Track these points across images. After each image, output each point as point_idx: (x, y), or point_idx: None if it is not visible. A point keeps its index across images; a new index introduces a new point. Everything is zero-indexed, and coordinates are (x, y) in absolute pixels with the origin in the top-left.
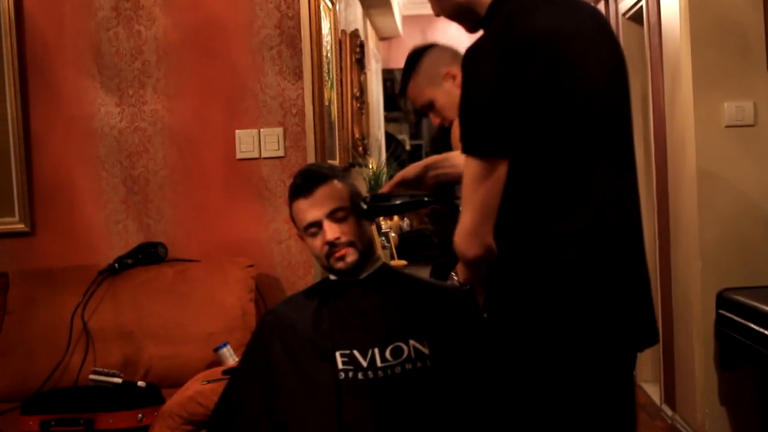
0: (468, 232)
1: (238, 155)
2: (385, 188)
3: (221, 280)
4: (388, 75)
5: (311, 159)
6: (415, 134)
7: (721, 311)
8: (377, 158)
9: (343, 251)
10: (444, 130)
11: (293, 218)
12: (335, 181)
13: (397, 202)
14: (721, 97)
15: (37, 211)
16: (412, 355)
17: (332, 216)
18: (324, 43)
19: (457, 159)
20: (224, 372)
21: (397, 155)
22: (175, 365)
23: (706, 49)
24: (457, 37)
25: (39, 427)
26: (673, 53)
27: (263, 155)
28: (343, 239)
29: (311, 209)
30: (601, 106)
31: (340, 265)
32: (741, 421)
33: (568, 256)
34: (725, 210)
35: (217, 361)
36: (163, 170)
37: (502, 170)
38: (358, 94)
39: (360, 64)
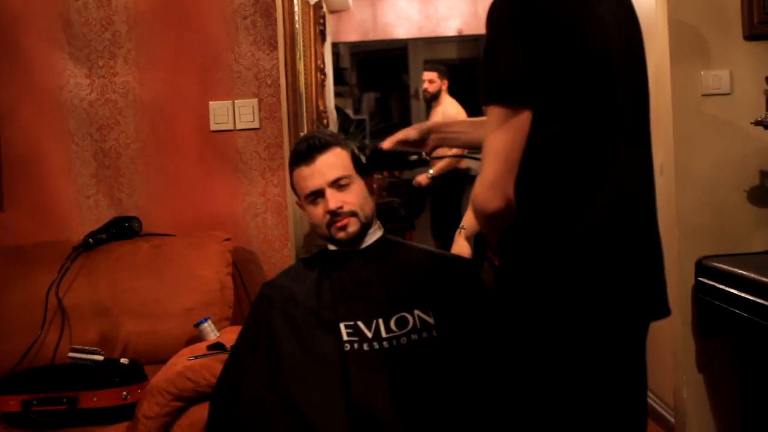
0: (490, 183)
1: (212, 127)
2: (385, 143)
3: (198, 255)
4: (335, 49)
5: (285, 131)
6: (357, 109)
7: (701, 279)
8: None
9: (345, 221)
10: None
11: (293, 186)
12: (338, 149)
13: (400, 156)
14: (697, 66)
15: (5, 187)
16: (418, 325)
17: (335, 184)
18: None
19: (460, 126)
20: (209, 347)
21: (346, 128)
22: (153, 341)
23: (682, 17)
24: (407, 10)
25: (20, 406)
26: (646, 21)
27: (238, 127)
28: (346, 208)
29: (313, 177)
30: (623, 72)
31: (341, 234)
32: (718, 387)
33: (589, 224)
34: (702, 178)
35: (198, 337)
36: (135, 143)
37: (525, 120)
38: (321, 67)
39: (323, 35)
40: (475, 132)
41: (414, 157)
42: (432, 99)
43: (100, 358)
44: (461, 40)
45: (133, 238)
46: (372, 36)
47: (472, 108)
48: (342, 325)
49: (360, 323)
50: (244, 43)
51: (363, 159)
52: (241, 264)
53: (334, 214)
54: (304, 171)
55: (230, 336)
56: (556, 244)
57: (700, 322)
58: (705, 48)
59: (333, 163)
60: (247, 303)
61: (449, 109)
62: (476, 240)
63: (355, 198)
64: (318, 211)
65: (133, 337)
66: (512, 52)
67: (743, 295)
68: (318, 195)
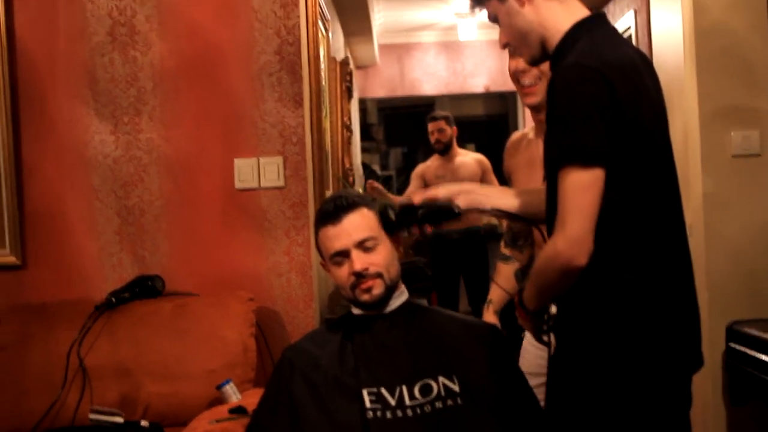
0: (578, 239)
1: (237, 185)
2: (415, 197)
3: (221, 315)
4: (362, 104)
5: (311, 190)
6: (384, 165)
7: (732, 344)
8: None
9: (370, 283)
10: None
11: (318, 246)
12: (365, 209)
13: (427, 211)
14: (727, 127)
15: (28, 244)
16: (442, 392)
17: (361, 245)
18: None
19: (489, 190)
20: (230, 411)
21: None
22: (175, 403)
23: (712, 78)
24: (434, 66)
25: None
26: (674, 81)
27: (263, 185)
28: (371, 270)
29: (339, 237)
30: (663, 138)
31: (365, 297)
32: None
33: (643, 283)
34: (732, 240)
35: (220, 399)
36: (159, 200)
37: (602, 179)
38: (348, 123)
39: (349, 92)
40: (503, 199)
41: (445, 209)
42: (446, 149)
43: (120, 420)
44: (487, 96)
45: (156, 297)
46: (399, 92)
47: (497, 160)
48: (365, 392)
49: (383, 390)
50: (270, 100)
51: (392, 215)
52: (265, 324)
53: (360, 276)
54: (330, 231)
55: (253, 399)
56: (611, 298)
57: (731, 389)
58: (734, 108)
59: (359, 223)
60: (271, 365)
61: (467, 159)
62: None
63: (381, 259)
64: (343, 273)
65: (154, 399)
66: (589, 118)
67: None
68: (343, 255)
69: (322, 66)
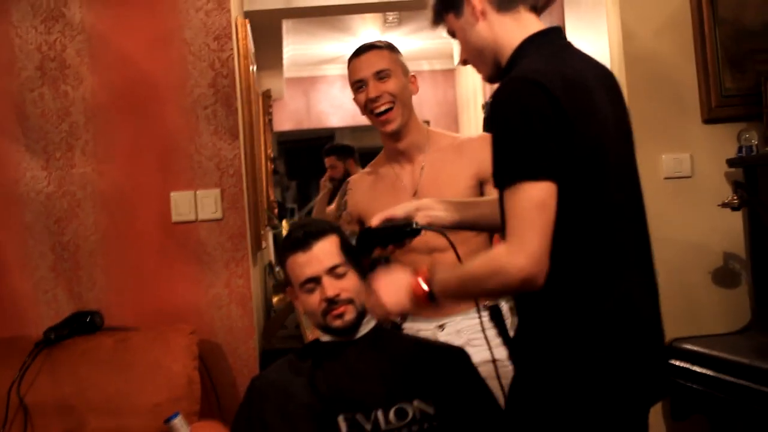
0: (539, 256)
1: (174, 218)
2: (373, 221)
3: (164, 348)
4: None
5: (247, 221)
6: (283, 197)
7: (673, 361)
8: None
9: (342, 309)
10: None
11: (288, 273)
12: (334, 236)
13: (387, 231)
14: (659, 150)
15: None
16: (417, 416)
17: (332, 272)
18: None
19: (446, 206)
20: None
21: (281, 216)
22: None
23: (643, 102)
24: (339, 99)
25: None
26: None
27: (200, 218)
28: (343, 296)
29: (310, 264)
30: (617, 155)
31: (337, 323)
32: None
33: (608, 310)
34: (668, 260)
35: None
36: (95, 235)
37: (554, 193)
38: (271, 156)
39: (271, 125)
40: (463, 212)
41: (406, 228)
42: (339, 184)
43: None
44: None
45: (95, 332)
46: (306, 125)
47: None
48: (340, 419)
49: (358, 416)
50: (205, 133)
51: (352, 242)
52: (207, 356)
53: (332, 302)
54: (301, 258)
55: (202, 431)
56: (577, 323)
57: (672, 406)
58: (665, 132)
59: (329, 250)
60: (214, 396)
61: None
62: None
63: (351, 285)
64: (314, 299)
65: None
66: (534, 132)
67: (719, 375)
68: (315, 282)
69: (252, 98)
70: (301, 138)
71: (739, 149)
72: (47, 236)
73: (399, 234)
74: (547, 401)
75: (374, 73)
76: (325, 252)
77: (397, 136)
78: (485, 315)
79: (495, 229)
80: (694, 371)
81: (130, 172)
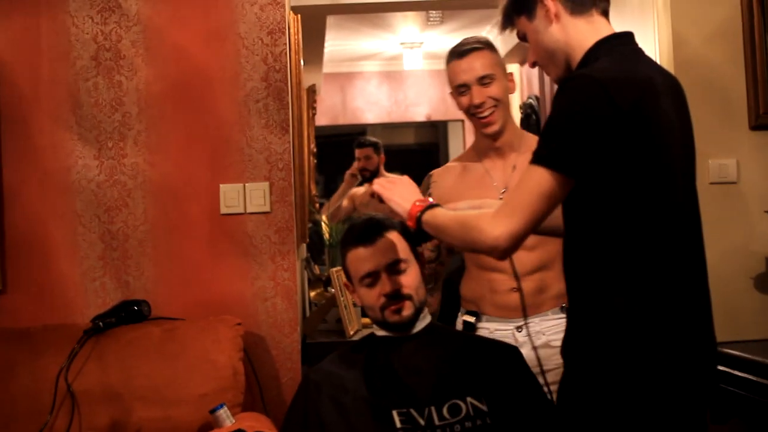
0: (516, 236)
1: (223, 210)
2: None
3: (211, 339)
4: None
5: (294, 215)
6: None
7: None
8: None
9: (401, 304)
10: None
11: (346, 266)
12: (395, 233)
13: None
14: (705, 155)
15: (9, 269)
16: (471, 412)
17: (392, 268)
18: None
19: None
20: None
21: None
22: (166, 428)
23: (691, 108)
24: (376, 95)
25: None
26: None
27: (248, 210)
28: (403, 291)
29: (370, 260)
30: (683, 166)
31: (395, 318)
32: None
33: (663, 309)
34: (711, 266)
35: (212, 424)
36: (143, 225)
37: (566, 190)
38: (314, 150)
39: (314, 120)
40: None
41: None
42: (371, 177)
43: None
44: (420, 125)
45: (143, 322)
46: (341, 120)
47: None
48: (395, 413)
49: (413, 411)
50: (256, 126)
51: (411, 229)
52: (250, 349)
53: (391, 297)
54: (361, 253)
55: (247, 423)
56: (631, 325)
57: (712, 408)
58: (712, 137)
59: (391, 245)
60: (257, 388)
61: None
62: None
63: (411, 282)
64: (372, 294)
65: (145, 423)
66: (575, 126)
67: (759, 380)
68: (374, 277)
69: (302, 93)
70: (332, 133)
71: None
72: (97, 225)
73: None
74: (598, 401)
75: (478, 78)
76: (387, 248)
77: (496, 135)
78: (563, 316)
79: (558, 234)
80: (735, 375)
81: (180, 164)
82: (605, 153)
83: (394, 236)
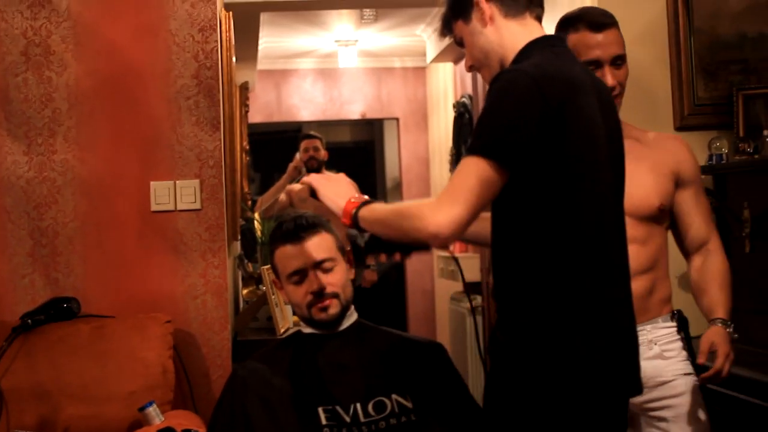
0: (459, 223)
1: (153, 207)
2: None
3: (140, 337)
4: None
5: (225, 213)
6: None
7: None
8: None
9: (327, 302)
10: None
11: (275, 263)
12: (324, 231)
13: None
14: None
15: None
16: (396, 409)
17: (319, 266)
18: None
19: None
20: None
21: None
22: (95, 425)
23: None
24: (310, 93)
25: None
26: None
27: (179, 208)
28: (329, 290)
29: (298, 257)
30: (604, 159)
31: (322, 316)
32: None
33: (587, 306)
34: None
35: (143, 421)
36: (73, 222)
37: (504, 180)
38: (246, 148)
39: (247, 117)
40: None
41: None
42: (318, 169)
43: None
44: (356, 123)
45: (72, 319)
46: (276, 117)
47: (362, 186)
48: (320, 410)
49: (338, 408)
50: (187, 123)
51: (361, 243)
52: (180, 346)
53: (317, 295)
54: (290, 250)
55: (175, 420)
56: (554, 320)
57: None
58: None
59: (319, 244)
60: (187, 386)
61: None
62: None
63: (337, 280)
64: (299, 292)
65: (74, 421)
66: (509, 118)
67: None
68: (301, 275)
69: (233, 90)
70: (267, 131)
71: (710, 157)
72: (26, 221)
73: (409, 245)
74: (522, 397)
75: (614, 57)
76: (315, 246)
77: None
78: (674, 324)
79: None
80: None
81: (111, 160)
82: (534, 146)
83: (321, 235)
